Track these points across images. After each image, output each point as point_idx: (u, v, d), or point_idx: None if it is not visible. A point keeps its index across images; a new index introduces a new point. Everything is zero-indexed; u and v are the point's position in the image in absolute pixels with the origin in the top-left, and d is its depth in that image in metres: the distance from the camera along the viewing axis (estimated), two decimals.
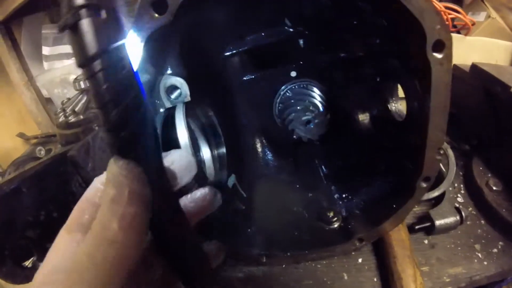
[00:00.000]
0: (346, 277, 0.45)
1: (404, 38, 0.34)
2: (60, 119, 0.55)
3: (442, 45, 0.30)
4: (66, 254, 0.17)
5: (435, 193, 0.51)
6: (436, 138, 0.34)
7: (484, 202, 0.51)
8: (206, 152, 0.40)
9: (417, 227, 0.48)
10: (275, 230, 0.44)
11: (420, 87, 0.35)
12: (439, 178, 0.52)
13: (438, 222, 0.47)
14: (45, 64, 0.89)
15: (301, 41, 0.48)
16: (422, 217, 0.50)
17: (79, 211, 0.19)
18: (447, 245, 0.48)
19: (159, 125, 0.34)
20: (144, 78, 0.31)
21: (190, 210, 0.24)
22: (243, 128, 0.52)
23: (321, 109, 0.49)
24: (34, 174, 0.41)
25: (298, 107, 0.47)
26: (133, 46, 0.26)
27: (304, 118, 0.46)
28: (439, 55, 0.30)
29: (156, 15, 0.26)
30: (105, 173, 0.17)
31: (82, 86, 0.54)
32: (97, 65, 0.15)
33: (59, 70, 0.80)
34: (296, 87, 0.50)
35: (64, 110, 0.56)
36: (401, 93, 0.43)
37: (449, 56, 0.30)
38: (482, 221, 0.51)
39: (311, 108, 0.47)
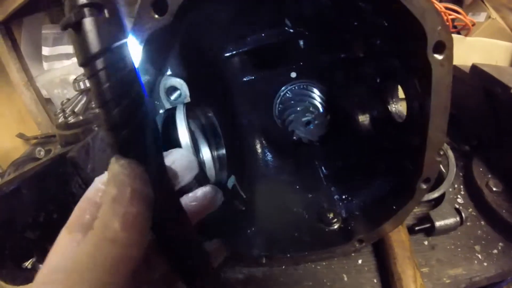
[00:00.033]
0: (346, 278, 0.45)
1: (405, 38, 0.34)
2: (60, 120, 0.55)
3: (443, 46, 0.30)
4: (67, 254, 0.17)
5: (435, 194, 0.51)
6: (437, 139, 0.34)
7: (484, 203, 0.51)
8: (206, 153, 0.39)
9: (417, 228, 0.48)
10: (275, 231, 0.44)
11: (420, 87, 0.35)
12: (439, 179, 0.52)
13: (438, 223, 0.47)
14: (45, 65, 0.89)
15: (301, 42, 0.48)
16: (422, 218, 0.50)
17: (80, 211, 0.19)
18: (447, 246, 0.48)
19: (159, 126, 0.34)
20: (143, 79, 0.31)
21: (191, 209, 0.24)
22: (243, 129, 0.52)
23: (321, 110, 0.49)
24: (33, 175, 0.41)
25: (298, 108, 0.47)
26: (133, 47, 0.26)
27: (304, 119, 0.46)
28: (439, 56, 0.30)
29: (156, 16, 0.26)
30: (106, 173, 0.17)
31: (82, 86, 0.54)
32: (99, 63, 0.15)
33: (59, 70, 0.80)
34: (296, 88, 0.50)
35: (63, 110, 0.56)
36: (401, 94, 0.43)
37: (449, 57, 0.30)
38: (482, 222, 0.51)
39: (311, 109, 0.47)
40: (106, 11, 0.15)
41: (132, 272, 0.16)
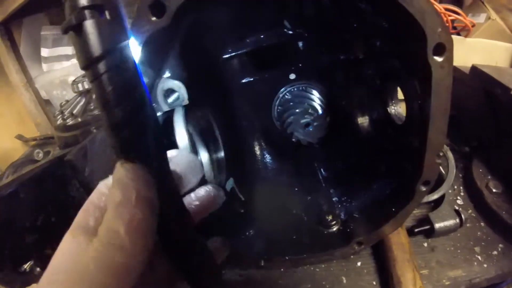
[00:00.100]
0: (345, 281, 0.45)
1: (405, 40, 0.34)
2: (58, 122, 0.55)
3: (443, 48, 0.29)
4: (72, 259, 0.17)
5: (435, 196, 0.51)
6: (437, 141, 0.34)
7: (484, 204, 0.51)
8: (204, 156, 0.39)
9: (416, 230, 0.48)
10: (274, 233, 0.43)
11: (420, 89, 0.35)
12: (439, 181, 0.52)
13: (437, 225, 0.47)
14: (44, 66, 0.89)
15: (300, 43, 0.48)
16: (422, 220, 0.50)
17: (84, 215, 0.19)
18: (446, 248, 0.48)
19: None
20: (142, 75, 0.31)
21: (194, 209, 0.24)
22: (242, 130, 0.51)
23: (320, 112, 0.49)
24: (31, 178, 0.41)
25: (297, 110, 0.47)
26: (134, 48, 0.26)
27: (303, 121, 0.46)
28: (439, 58, 0.30)
29: (154, 18, 0.25)
30: (110, 177, 0.17)
31: (81, 88, 0.54)
32: (102, 66, 0.15)
33: (58, 71, 0.80)
34: (295, 89, 0.50)
35: (62, 112, 0.56)
36: (400, 95, 0.42)
37: (450, 59, 0.30)
38: (482, 224, 0.51)
39: (310, 111, 0.46)
40: (107, 13, 0.15)
41: (139, 276, 0.16)
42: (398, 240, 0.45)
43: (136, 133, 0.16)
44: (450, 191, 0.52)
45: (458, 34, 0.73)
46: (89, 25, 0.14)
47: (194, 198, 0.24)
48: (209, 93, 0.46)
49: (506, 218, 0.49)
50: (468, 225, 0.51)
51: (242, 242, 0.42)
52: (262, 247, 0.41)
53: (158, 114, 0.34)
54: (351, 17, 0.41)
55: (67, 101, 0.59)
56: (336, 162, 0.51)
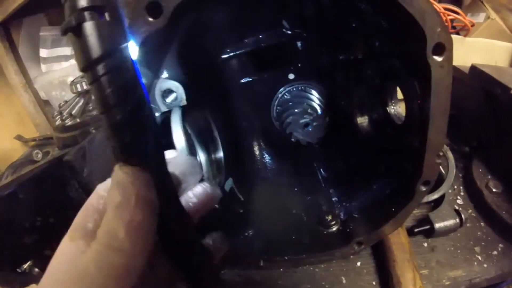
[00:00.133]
0: (344, 281, 0.45)
1: (405, 40, 0.34)
2: (57, 122, 0.55)
3: (442, 48, 0.29)
4: (71, 263, 0.17)
5: (435, 196, 0.51)
6: (436, 141, 0.34)
7: (484, 204, 0.51)
8: (202, 156, 0.39)
9: (416, 230, 0.48)
10: (273, 234, 0.43)
11: (420, 89, 0.35)
12: (439, 180, 0.52)
13: (437, 225, 0.47)
14: (43, 66, 0.89)
15: (299, 43, 0.48)
16: (422, 220, 0.49)
17: (83, 218, 0.19)
18: (446, 247, 0.48)
19: None
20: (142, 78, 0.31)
21: (192, 206, 0.24)
22: (241, 131, 0.51)
23: (319, 112, 0.48)
24: (30, 179, 0.41)
25: (296, 110, 0.47)
26: (133, 50, 0.26)
27: (302, 121, 0.46)
28: (439, 58, 0.30)
29: (151, 19, 0.25)
30: (108, 180, 0.17)
31: (79, 88, 0.54)
32: (101, 68, 0.15)
33: (57, 72, 0.80)
34: (294, 89, 0.50)
35: (61, 113, 0.56)
36: (399, 95, 0.42)
37: (449, 59, 0.30)
38: (482, 223, 0.51)
39: (309, 111, 0.46)
40: (107, 14, 0.15)
41: (139, 278, 0.16)
42: (398, 240, 0.44)
43: (135, 135, 0.16)
44: (450, 191, 0.52)
45: (458, 33, 0.73)
46: (89, 27, 0.14)
47: (192, 195, 0.25)
48: (208, 93, 0.46)
49: (506, 218, 0.48)
50: (468, 225, 0.50)
51: (241, 242, 0.42)
52: (262, 247, 0.41)
53: (156, 114, 0.34)
54: (351, 17, 0.41)
55: (66, 101, 0.59)
56: (336, 162, 0.51)
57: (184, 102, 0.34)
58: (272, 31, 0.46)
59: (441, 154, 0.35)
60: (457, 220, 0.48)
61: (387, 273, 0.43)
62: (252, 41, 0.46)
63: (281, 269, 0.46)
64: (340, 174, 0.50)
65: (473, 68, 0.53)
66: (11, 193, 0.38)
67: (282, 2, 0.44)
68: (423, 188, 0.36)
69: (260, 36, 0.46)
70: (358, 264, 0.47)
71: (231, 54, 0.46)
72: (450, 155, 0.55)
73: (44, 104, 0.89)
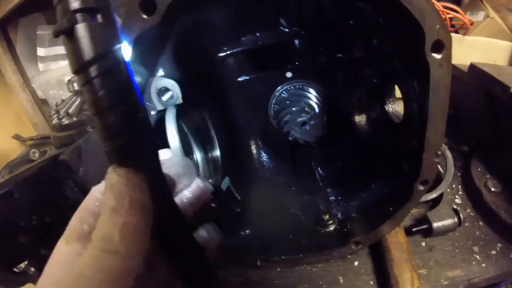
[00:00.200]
0: (342, 281, 0.45)
1: (404, 38, 0.33)
2: (54, 121, 0.55)
3: (441, 46, 0.29)
4: (68, 266, 0.17)
5: (433, 195, 0.51)
6: (435, 140, 0.33)
7: (483, 203, 0.51)
8: (199, 155, 0.39)
9: (414, 229, 0.48)
10: (271, 233, 0.43)
11: (419, 88, 0.35)
12: (437, 180, 0.52)
13: (435, 224, 0.47)
14: (41, 66, 0.88)
15: (296, 42, 0.47)
16: (420, 219, 0.49)
17: (78, 221, 0.19)
18: (445, 247, 0.48)
19: None
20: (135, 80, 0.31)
21: (186, 202, 0.24)
22: (238, 130, 0.51)
23: (317, 110, 0.48)
24: (26, 178, 0.40)
25: (294, 108, 0.46)
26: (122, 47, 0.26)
27: (299, 119, 0.46)
28: (438, 56, 0.29)
29: (145, 16, 0.25)
30: (102, 182, 0.17)
31: (76, 87, 0.54)
32: (94, 70, 0.14)
33: (55, 71, 0.80)
34: (292, 88, 0.50)
35: (58, 112, 0.55)
36: (397, 93, 0.42)
37: (448, 57, 0.30)
38: (481, 223, 0.51)
39: (306, 109, 0.46)
40: (99, 16, 0.15)
41: (136, 281, 0.16)
42: (396, 240, 0.44)
43: (128, 137, 0.16)
44: (448, 190, 0.52)
45: (457, 32, 0.72)
46: (81, 29, 0.14)
47: (187, 193, 0.25)
48: (205, 92, 0.46)
49: (504, 217, 0.48)
50: (466, 224, 0.50)
51: (238, 241, 0.41)
52: (259, 247, 0.41)
53: (152, 113, 0.34)
54: (350, 16, 0.41)
55: (63, 100, 0.59)
56: (334, 162, 0.51)
57: (180, 100, 0.34)
58: (270, 29, 0.46)
59: (439, 153, 0.34)
60: (456, 219, 0.47)
61: (385, 273, 0.43)
62: (250, 39, 0.45)
63: (279, 269, 0.45)
64: (338, 174, 0.50)
65: (472, 67, 0.53)
66: (7, 193, 0.38)
67: (282, 1, 0.44)
68: (421, 188, 0.36)
69: (258, 34, 0.45)
70: (356, 263, 0.46)
71: (228, 52, 0.46)
72: (448, 154, 0.55)
73: (41, 103, 0.89)
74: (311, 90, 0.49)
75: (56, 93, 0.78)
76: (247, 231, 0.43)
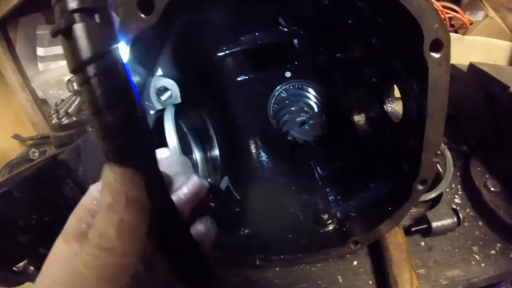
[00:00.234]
0: (341, 280, 0.45)
1: (403, 38, 0.33)
2: (54, 121, 0.55)
3: (440, 45, 0.29)
4: (65, 266, 0.16)
5: (432, 195, 0.50)
6: (434, 140, 0.33)
7: (482, 203, 0.51)
8: (198, 155, 0.39)
9: (413, 229, 0.48)
10: (270, 233, 0.43)
11: (417, 88, 0.35)
12: (436, 179, 0.52)
13: (435, 224, 0.47)
14: (40, 65, 0.88)
15: (295, 41, 0.47)
16: (419, 219, 0.49)
17: (76, 220, 0.19)
18: (444, 247, 0.48)
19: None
20: (133, 80, 0.31)
21: (184, 199, 0.24)
22: (237, 129, 0.51)
23: (316, 110, 0.48)
24: (25, 177, 0.40)
25: (293, 108, 0.46)
26: (123, 50, 0.26)
27: (298, 119, 0.46)
28: (436, 55, 0.29)
29: (143, 15, 0.25)
30: (100, 181, 0.17)
31: (76, 87, 0.54)
32: (91, 70, 0.14)
33: (55, 71, 0.80)
34: (291, 87, 0.50)
35: (57, 111, 0.55)
36: (396, 93, 0.42)
37: (447, 56, 0.30)
38: (480, 223, 0.51)
39: (306, 109, 0.46)
40: (97, 16, 0.15)
41: (132, 279, 0.16)
42: (395, 239, 0.44)
43: (126, 137, 0.16)
44: (447, 190, 0.51)
45: (456, 32, 0.72)
46: (79, 29, 0.14)
47: (184, 190, 0.25)
48: (204, 91, 0.46)
49: (504, 217, 0.48)
50: (466, 224, 0.50)
51: (237, 241, 0.41)
52: (258, 246, 0.41)
53: (151, 112, 0.34)
54: (349, 16, 0.41)
55: (63, 100, 0.59)
56: (333, 162, 0.51)
57: (179, 100, 0.34)
58: (269, 29, 0.46)
59: (439, 153, 0.34)
60: (455, 219, 0.47)
61: (384, 272, 0.43)
62: (249, 39, 0.45)
63: (278, 268, 0.45)
64: (337, 174, 0.50)
65: (472, 66, 0.53)
66: (6, 192, 0.38)
67: (281, 1, 0.44)
68: (420, 187, 0.36)
69: (257, 34, 0.45)
70: (355, 263, 0.46)
71: (227, 52, 0.46)
72: (448, 154, 0.55)
73: (41, 103, 0.89)
74: (310, 90, 0.49)
75: (56, 93, 0.78)
76: (246, 230, 0.43)
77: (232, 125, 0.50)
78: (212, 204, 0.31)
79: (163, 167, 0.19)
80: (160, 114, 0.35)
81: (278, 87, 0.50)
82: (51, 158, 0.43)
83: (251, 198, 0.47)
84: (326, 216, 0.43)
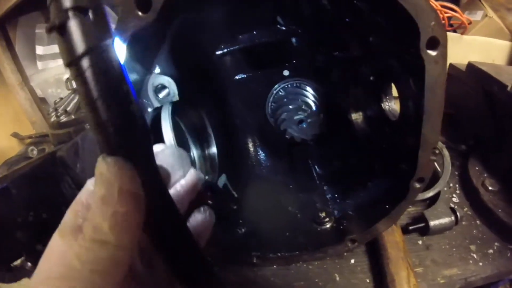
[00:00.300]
0: (338, 279, 0.45)
1: (400, 36, 0.33)
2: (52, 119, 0.55)
3: (436, 42, 0.29)
4: (60, 260, 0.16)
5: (430, 193, 0.51)
6: (431, 138, 0.33)
7: (480, 202, 0.51)
8: (196, 152, 0.39)
9: (411, 227, 0.48)
10: (267, 231, 0.43)
11: (414, 86, 0.35)
12: (434, 178, 0.52)
13: (432, 223, 0.47)
14: (39, 64, 0.89)
15: (294, 40, 0.47)
16: (417, 218, 0.49)
17: (72, 214, 0.18)
18: (442, 246, 0.48)
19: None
20: (130, 77, 0.31)
21: (182, 190, 0.24)
22: (236, 128, 0.51)
23: (314, 108, 0.48)
24: (23, 174, 0.40)
25: (291, 106, 0.46)
26: (117, 45, 0.26)
27: (296, 117, 0.46)
28: (433, 53, 0.29)
29: (140, 13, 0.25)
30: None
31: (74, 85, 0.54)
32: (85, 62, 0.15)
33: (53, 69, 0.80)
34: (289, 86, 0.50)
35: (56, 109, 0.56)
36: (394, 92, 0.42)
37: (444, 54, 0.30)
38: (478, 222, 0.51)
39: (304, 107, 0.46)
40: (91, 13, 0.15)
41: (126, 274, 0.16)
42: (392, 238, 0.44)
43: (120, 128, 0.16)
44: (445, 189, 0.51)
45: (455, 31, 0.72)
46: (73, 25, 0.14)
47: (182, 182, 0.25)
48: (203, 89, 0.46)
49: (502, 216, 0.48)
50: (463, 223, 0.50)
51: (234, 239, 0.41)
52: (255, 244, 0.41)
53: (149, 110, 0.34)
54: (348, 16, 0.41)
55: (61, 98, 0.59)
56: (331, 160, 0.51)
57: (176, 98, 0.34)
58: (267, 27, 0.46)
59: (437, 152, 0.34)
60: (453, 218, 0.47)
61: (381, 271, 0.43)
62: (247, 37, 0.45)
63: (275, 267, 0.45)
64: (335, 172, 0.50)
65: (470, 65, 0.53)
66: (4, 188, 0.38)
67: (281, 2, 0.44)
68: (418, 185, 0.36)
69: (255, 33, 0.45)
70: (352, 261, 0.46)
71: (225, 50, 0.46)
72: (446, 152, 0.55)
73: (40, 102, 0.89)
74: (308, 88, 0.50)
75: (55, 91, 0.78)
76: (243, 228, 0.43)
77: (230, 124, 0.50)
78: (210, 201, 0.31)
79: (159, 160, 0.19)
80: (158, 112, 0.35)
81: (276, 86, 0.50)
82: (49, 155, 0.43)
83: (249, 196, 0.47)
84: (323, 215, 0.43)
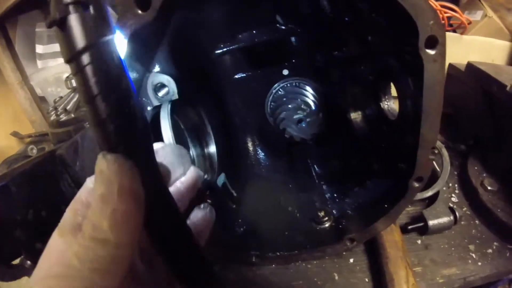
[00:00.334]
0: (337, 278, 0.45)
1: (399, 35, 0.34)
2: (52, 118, 0.55)
3: (435, 41, 0.29)
4: (59, 259, 0.16)
5: (429, 193, 0.51)
6: (429, 138, 0.34)
7: (479, 202, 0.51)
8: (195, 151, 0.39)
9: (410, 227, 0.48)
10: (266, 230, 0.43)
11: (413, 85, 0.35)
12: (433, 178, 0.52)
13: (431, 222, 0.47)
14: (39, 63, 0.89)
15: (293, 39, 0.47)
16: (416, 217, 0.49)
17: (72, 213, 0.18)
18: (441, 245, 0.48)
19: None
20: (130, 75, 0.31)
21: (183, 187, 0.24)
22: (235, 127, 0.51)
23: (313, 107, 0.48)
24: (23, 172, 0.40)
25: (290, 106, 0.46)
26: (120, 43, 0.26)
27: (296, 116, 0.46)
28: (432, 51, 0.29)
29: (140, 11, 0.25)
30: None
31: (74, 84, 0.54)
32: (85, 58, 0.15)
33: (53, 68, 0.80)
34: (289, 85, 0.50)
35: (55, 108, 0.56)
36: (393, 91, 0.42)
37: (442, 53, 0.30)
38: (477, 221, 0.51)
39: (303, 106, 0.46)
40: (91, 8, 0.15)
41: (126, 273, 0.16)
42: (391, 237, 0.44)
43: (119, 123, 0.16)
44: (444, 189, 0.52)
45: (454, 31, 0.72)
46: (73, 19, 0.14)
47: (183, 179, 0.25)
48: (202, 89, 0.46)
49: (501, 216, 0.48)
50: (462, 222, 0.50)
51: (233, 238, 0.41)
52: (254, 243, 0.41)
53: (149, 108, 0.34)
54: (347, 15, 0.41)
55: (61, 97, 0.59)
56: (330, 160, 0.51)
57: (176, 96, 0.34)
58: (266, 26, 0.46)
59: (436, 151, 0.35)
60: (452, 217, 0.47)
61: (380, 270, 0.43)
62: (246, 36, 0.45)
63: (274, 266, 0.45)
64: (334, 171, 0.50)
65: (469, 65, 0.53)
66: (4, 186, 0.38)
67: (280, 1, 0.44)
68: (416, 184, 0.36)
69: (254, 32, 0.45)
70: (351, 261, 0.46)
71: (225, 49, 0.46)
72: (445, 152, 0.55)
73: (40, 101, 0.89)
74: (307, 88, 0.50)
75: (54, 90, 0.78)
76: (242, 227, 0.43)
77: (229, 123, 0.50)
78: (209, 200, 0.31)
79: (159, 157, 0.19)
80: (157, 110, 0.35)
81: (276, 85, 0.50)
82: (48, 153, 0.43)
83: (248, 195, 0.47)
84: (322, 214, 0.43)
